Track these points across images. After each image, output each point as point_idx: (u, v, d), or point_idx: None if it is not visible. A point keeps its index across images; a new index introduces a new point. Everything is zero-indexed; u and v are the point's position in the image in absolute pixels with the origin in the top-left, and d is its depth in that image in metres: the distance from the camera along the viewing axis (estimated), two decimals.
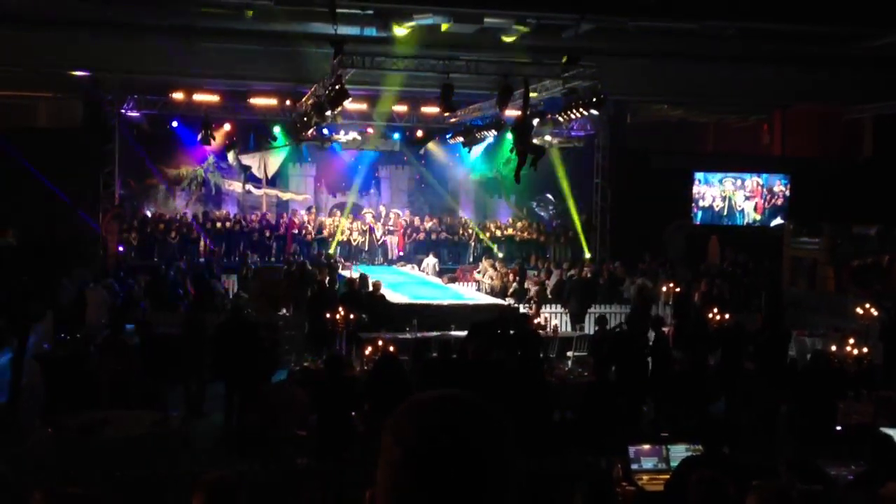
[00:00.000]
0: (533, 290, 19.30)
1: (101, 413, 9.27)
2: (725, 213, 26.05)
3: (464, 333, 14.31)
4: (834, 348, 12.54)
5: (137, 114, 23.63)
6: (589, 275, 20.26)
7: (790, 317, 17.62)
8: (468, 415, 1.54)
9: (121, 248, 22.80)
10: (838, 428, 9.92)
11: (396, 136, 26.36)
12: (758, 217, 26.14)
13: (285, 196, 27.45)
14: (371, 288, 16.39)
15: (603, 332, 13.76)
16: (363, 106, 23.11)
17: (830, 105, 25.00)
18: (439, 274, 23.18)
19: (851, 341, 12.32)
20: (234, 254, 24.06)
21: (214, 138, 23.58)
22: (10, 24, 17.59)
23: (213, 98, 22.94)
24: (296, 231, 25.17)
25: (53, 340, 13.42)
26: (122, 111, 23.12)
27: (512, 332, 12.93)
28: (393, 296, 17.68)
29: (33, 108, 24.92)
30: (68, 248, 19.02)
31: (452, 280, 22.58)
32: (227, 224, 24.89)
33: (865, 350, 12.06)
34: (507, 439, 1.54)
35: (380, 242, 25.92)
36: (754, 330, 13.83)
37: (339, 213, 26.98)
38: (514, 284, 20.19)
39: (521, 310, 17.29)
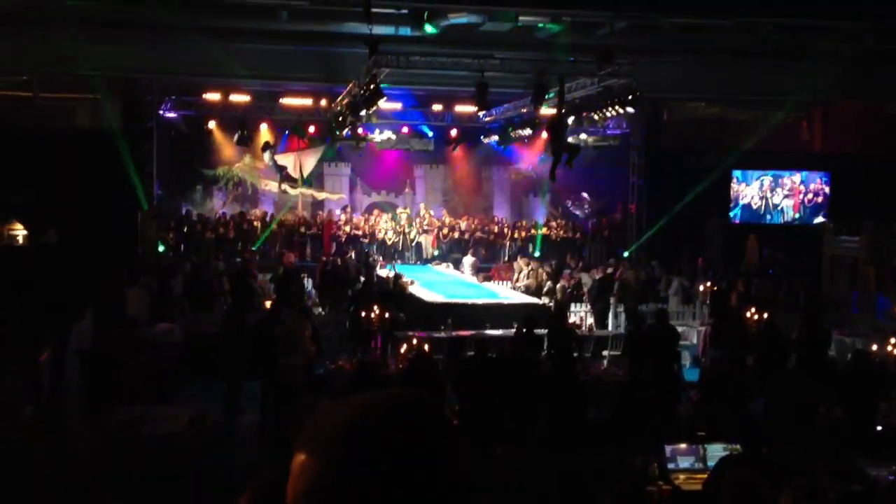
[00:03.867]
0: (559, 290, 19.15)
1: (141, 409, 9.38)
2: (764, 211, 25.77)
3: (498, 332, 14.34)
4: (875, 348, 12.35)
5: (175, 115, 23.88)
6: (630, 275, 20.08)
7: (830, 316, 17.39)
8: (411, 417, 1.29)
9: (161, 248, 23.04)
10: (879, 428, 9.78)
11: (431, 135, 26.43)
12: (797, 215, 25.84)
13: (320, 196, 27.60)
14: (400, 287, 16.51)
15: (636, 331, 13.68)
16: (398, 105, 23.18)
17: (871, 101, 24.61)
18: (476, 273, 23.19)
19: (893, 341, 12.13)
20: (271, 253, 24.22)
21: (251, 139, 23.77)
22: (49, 28, 17.84)
23: (249, 99, 23.14)
24: (336, 231, 25.25)
25: (93, 338, 13.59)
26: (160, 112, 23.38)
27: (546, 330, 12.90)
28: (428, 294, 17.70)
29: (73, 110, 25.26)
30: (107, 247, 19.24)
31: (487, 279, 22.56)
32: (264, 223, 25.10)
33: None
34: (449, 437, 1.30)
35: (413, 242, 25.97)
36: (793, 329, 13.65)
37: (377, 211, 27.12)
38: (549, 283, 20.11)
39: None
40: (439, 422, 1.31)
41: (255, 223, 25.07)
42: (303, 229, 25.12)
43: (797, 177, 25.89)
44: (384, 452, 1.23)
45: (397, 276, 17.18)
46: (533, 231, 26.45)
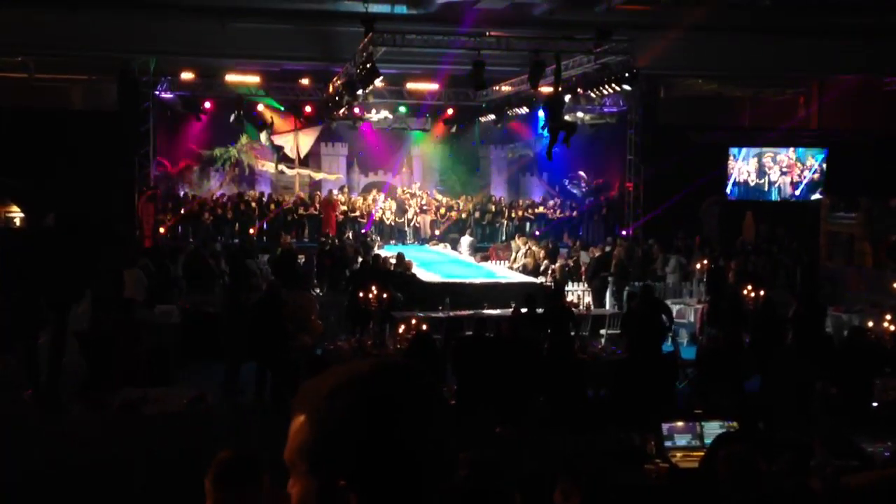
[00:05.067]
0: (557, 268, 19.19)
1: (140, 390, 9.41)
2: (761, 188, 25.76)
3: (496, 312, 14.37)
4: (871, 324, 12.39)
5: (171, 95, 23.77)
6: (623, 252, 20.11)
7: (827, 293, 17.43)
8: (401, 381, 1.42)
9: (161, 230, 23.01)
10: (875, 404, 9.83)
11: (428, 114, 26.36)
12: (797, 192, 25.83)
13: (318, 176, 27.56)
14: (403, 267, 16.49)
15: (631, 310, 13.72)
16: (394, 84, 23.09)
17: (868, 77, 24.57)
18: (473, 253, 23.21)
19: (888, 317, 12.16)
20: (268, 234, 24.19)
21: (247, 119, 23.69)
22: (45, 8, 17.77)
23: (246, 79, 23.04)
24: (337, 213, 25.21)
25: (91, 320, 13.61)
26: (156, 93, 23.27)
27: (542, 309, 12.92)
28: (425, 275, 17.73)
29: (68, 91, 25.17)
30: (105, 229, 19.22)
31: (485, 259, 22.59)
32: (261, 204, 25.06)
33: None
34: (433, 402, 1.43)
35: (411, 222, 25.96)
36: (789, 306, 13.68)
37: (375, 191, 27.12)
38: (545, 262, 20.15)
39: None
40: (419, 385, 1.43)
41: (253, 204, 25.04)
42: (301, 210, 25.10)
43: (794, 153, 25.85)
44: (367, 411, 1.36)
45: (400, 256, 17.18)
46: (530, 210, 26.42)
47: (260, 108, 25.02)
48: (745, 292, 14.77)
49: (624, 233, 24.18)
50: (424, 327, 12.14)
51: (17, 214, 21.87)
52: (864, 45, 20.45)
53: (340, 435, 1.35)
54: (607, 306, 17.72)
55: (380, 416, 1.36)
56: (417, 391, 1.42)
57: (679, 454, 7.24)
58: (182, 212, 24.29)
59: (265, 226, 24.51)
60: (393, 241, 24.59)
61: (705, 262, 18.74)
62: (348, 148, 27.79)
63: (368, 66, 15.77)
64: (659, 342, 12.40)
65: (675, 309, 16.30)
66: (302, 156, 27.12)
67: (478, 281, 17.66)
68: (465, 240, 23.81)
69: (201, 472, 3.66)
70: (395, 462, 1.35)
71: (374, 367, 1.44)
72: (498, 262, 22.21)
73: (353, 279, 16.38)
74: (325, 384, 1.40)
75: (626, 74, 16.40)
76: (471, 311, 14.60)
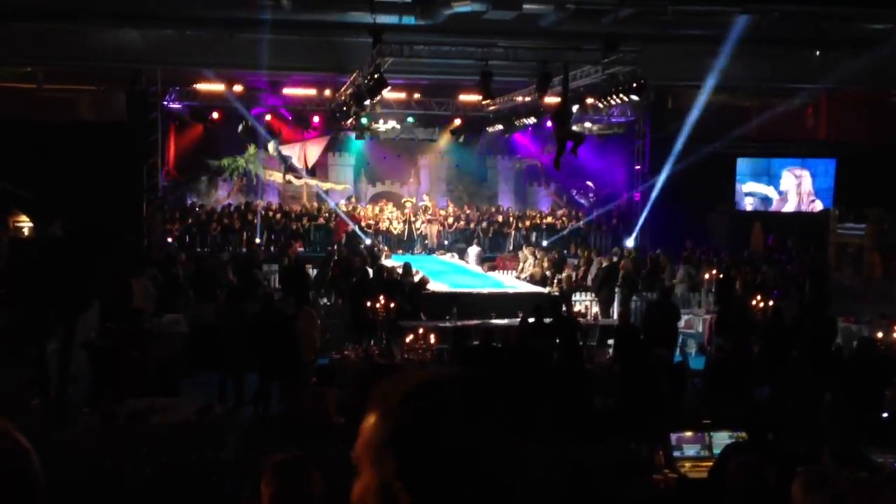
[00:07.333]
0: (564, 278, 19.15)
1: (148, 400, 9.41)
2: (769, 198, 25.71)
3: (504, 322, 14.35)
4: (880, 335, 12.34)
5: (179, 105, 23.85)
6: (630, 264, 20.06)
7: (836, 304, 17.35)
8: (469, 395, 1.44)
9: (169, 240, 23.04)
10: (884, 415, 9.78)
11: (435, 124, 26.39)
12: (802, 203, 25.77)
13: (325, 186, 27.59)
14: (416, 280, 16.49)
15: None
16: (402, 94, 23.13)
17: (876, 88, 24.51)
18: (481, 263, 23.19)
19: None
20: (276, 244, 24.19)
21: (255, 129, 23.75)
22: (53, 19, 17.84)
23: (254, 89, 23.10)
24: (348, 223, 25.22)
25: (99, 330, 13.62)
26: (165, 103, 23.35)
27: (549, 319, 12.89)
28: (433, 284, 17.72)
29: (77, 102, 25.26)
30: (113, 238, 19.25)
31: (492, 268, 22.56)
32: (269, 214, 25.07)
33: None
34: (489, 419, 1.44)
35: (418, 232, 25.94)
36: (798, 317, 13.64)
37: (384, 201, 27.14)
38: (548, 272, 20.11)
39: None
40: (491, 398, 1.46)
41: (260, 214, 25.08)
42: (305, 220, 25.10)
43: (802, 165, 25.82)
44: (433, 417, 1.38)
45: (407, 266, 17.18)
46: (538, 220, 26.39)
47: (267, 118, 25.09)
48: (753, 303, 14.73)
49: (631, 244, 24.08)
50: (432, 337, 12.13)
51: (25, 224, 21.92)
52: (871, 57, 20.39)
53: (405, 436, 1.38)
54: (615, 316, 17.66)
55: (442, 424, 1.38)
56: (487, 404, 1.45)
57: (688, 465, 7.20)
58: (190, 221, 24.32)
59: (273, 236, 24.52)
60: (400, 251, 24.58)
61: (713, 272, 18.69)
62: (355, 158, 27.84)
63: (376, 76, 15.81)
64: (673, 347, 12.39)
65: (683, 319, 16.27)
66: (309, 166, 27.15)
67: (485, 291, 17.64)
68: (473, 249, 23.78)
69: (208, 482, 3.65)
70: (450, 470, 1.37)
71: (449, 376, 1.48)
72: (505, 271, 22.19)
73: (355, 289, 16.35)
74: (401, 387, 1.43)
75: (634, 85, 16.40)
76: (478, 321, 14.59)
